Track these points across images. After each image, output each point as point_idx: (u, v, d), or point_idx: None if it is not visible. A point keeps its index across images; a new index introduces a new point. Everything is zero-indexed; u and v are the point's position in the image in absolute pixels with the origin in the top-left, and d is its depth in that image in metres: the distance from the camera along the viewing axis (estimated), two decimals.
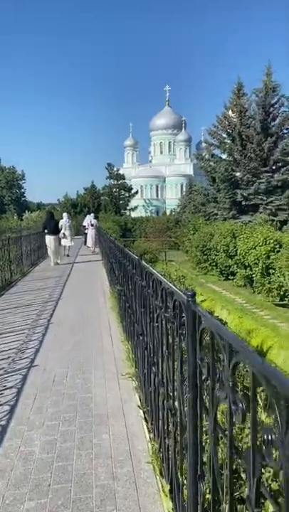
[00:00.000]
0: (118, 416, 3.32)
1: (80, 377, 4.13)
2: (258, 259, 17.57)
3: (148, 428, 3.08)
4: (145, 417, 3.25)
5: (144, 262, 3.43)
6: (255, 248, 17.93)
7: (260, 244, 17.70)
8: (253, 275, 18.69)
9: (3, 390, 3.82)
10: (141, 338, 3.54)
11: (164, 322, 2.44)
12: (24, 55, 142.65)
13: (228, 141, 35.70)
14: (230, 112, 36.00)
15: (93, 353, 4.88)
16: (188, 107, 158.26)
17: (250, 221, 31.87)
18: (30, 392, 3.82)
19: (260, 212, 33.30)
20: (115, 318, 6.49)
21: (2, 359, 4.72)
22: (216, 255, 22.88)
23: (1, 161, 68.23)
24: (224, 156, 36.66)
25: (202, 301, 13.87)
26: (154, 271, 2.89)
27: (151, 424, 2.98)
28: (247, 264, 19.15)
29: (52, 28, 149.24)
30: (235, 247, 20.23)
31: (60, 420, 3.27)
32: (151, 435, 2.93)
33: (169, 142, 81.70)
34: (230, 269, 21.44)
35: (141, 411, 3.36)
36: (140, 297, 3.56)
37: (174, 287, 2.10)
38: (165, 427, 2.45)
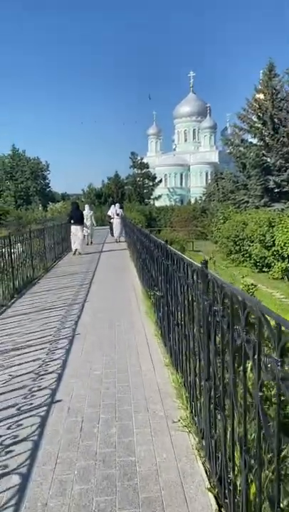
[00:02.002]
0: (177, 502, 2.23)
1: (116, 425, 3.05)
2: None
3: None
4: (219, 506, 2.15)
5: (213, 272, 2.30)
6: None
7: None
8: None
9: (12, 446, 2.79)
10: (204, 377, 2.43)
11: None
12: (47, 43, 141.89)
13: (259, 125, 33.77)
14: (260, 95, 34.01)
15: (131, 383, 3.79)
16: (212, 93, 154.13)
17: (283, 209, 30.10)
18: (50, 450, 2.77)
19: None
20: (153, 329, 5.38)
21: (16, 389, 3.71)
22: (249, 246, 21.46)
23: (25, 152, 68.02)
24: (254, 141, 34.77)
25: None
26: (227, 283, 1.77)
27: None
28: (286, 255, 17.72)
29: (76, 16, 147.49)
30: (272, 237, 18.77)
31: (92, 510, 2.20)
32: None
33: (194, 130, 79.73)
34: (266, 261, 20.01)
35: (211, 495, 2.25)
36: (204, 319, 2.44)
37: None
38: None
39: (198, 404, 2.81)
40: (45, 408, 3.36)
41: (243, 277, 6.74)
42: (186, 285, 3.11)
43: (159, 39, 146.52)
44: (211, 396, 2.38)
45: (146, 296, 6.92)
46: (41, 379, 3.94)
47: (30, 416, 3.22)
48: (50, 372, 4.10)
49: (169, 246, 4.08)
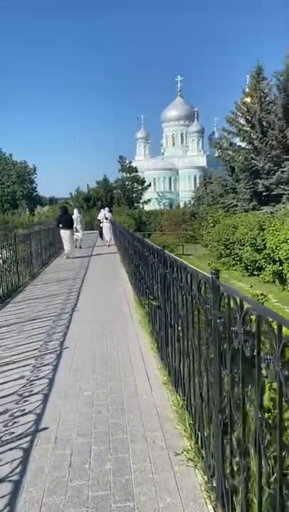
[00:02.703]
0: None
1: (110, 459, 2.65)
2: None
3: None
4: None
5: (225, 284, 1.93)
6: (287, 241, 16.27)
7: None
8: (284, 271, 17.08)
9: None
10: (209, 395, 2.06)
11: None
12: (33, 47, 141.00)
13: (248, 129, 33.74)
14: (249, 99, 34.02)
15: (126, 405, 3.39)
16: (200, 97, 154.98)
17: (272, 212, 30.01)
18: (33, 494, 2.35)
19: (283, 203, 31.37)
20: (147, 340, 4.99)
21: None
22: (240, 249, 21.23)
23: (12, 156, 67.16)
24: (243, 145, 34.73)
25: None
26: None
27: None
28: (277, 258, 17.50)
29: (60, 18, 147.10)
30: (263, 240, 18.55)
31: None
32: None
33: (182, 134, 79.96)
34: (257, 264, 19.79)
35: None
36: (215, 340, 2.07)
37: None
38: None
39: (205, 434, 2.43)
40: (28, 438, 2.94)
41: (252, 286, 6.38)
42: (189, 296, 2.73)
43: (147, 42, 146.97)
44: (224, 431, 2.01)
45: (140, 304, 6.54)
46: (25, 401, 3.52)
47: (11, 449, 2.80)
48: (36, 393, 3.68)
49: (167, 252, 3.71)
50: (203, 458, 2.46)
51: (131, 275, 8.52)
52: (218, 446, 2.08)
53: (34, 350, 4.87)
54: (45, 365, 4.36)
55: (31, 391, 3.72)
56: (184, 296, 2.92)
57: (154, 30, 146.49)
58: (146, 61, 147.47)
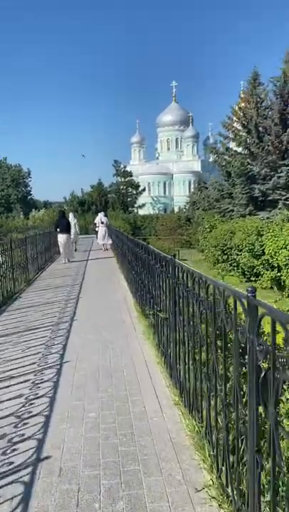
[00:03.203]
0: None
1: (123, 497, 2.36)
2: None
3: None
4: None
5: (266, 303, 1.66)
6: (286, 247, 16.10)
7: None
8: (283, 277, 16.92)
9: None
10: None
11: None
12: (28, 52, 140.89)
13: (244, 134, 33.72)
14: (245, 104, 34.04)
15: (135, 429, 3.10)
16: (195, 102, 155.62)
17: (268, 217, 29.93)
18: None
19: (279, 208, 31.33)
20: (153, 354, 4.71)
21: None
22: (237, 255, 21.05)
23: (6, 160, 66.72)
24: (239, 150, 34.70)
25: None
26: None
27: None
28: (276, 264, 17.33)
29: (56, 24, 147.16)
30: (261, 246, 18.38)
31: None
32: None
33: (176, 138, 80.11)
34: (255, 270, 19.61)
35: None
36: (252, 373, 1.80)
37: None
38: None
39: (230, 468, 2.16)
40: (29, 469, 2.64)
41: (277, 301, 6.13)
42: (209, 312, 2.46)
43: (142, 47, 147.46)
44: (260, 473, 1.74)
45: (142, 313, 6.27)
46: (24, 424, 3.22)
47: (9, 483, 2.50)
48: (36, 415, 3.38)
49: (178, 261, 3.44)
50: (228, 497, 2.18)
51: (131, 282, 8.24)
52: (253, 491, 1.81)
53: (32, 364, 4.56)
54: (45, 382, 4.06)
55: (31, 412, 3.42)
56: (203, 313, 2.65)
57: (149, 35, 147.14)
58: (141, 66, 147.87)
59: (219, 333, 2.35)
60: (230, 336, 2.15)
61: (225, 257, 22.54)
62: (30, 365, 4.54)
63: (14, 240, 10.00)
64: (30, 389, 3.89)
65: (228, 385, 2.29)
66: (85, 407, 3.50)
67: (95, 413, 3.39)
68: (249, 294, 1.76)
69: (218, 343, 2.45)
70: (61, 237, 14.37)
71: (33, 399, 3.68)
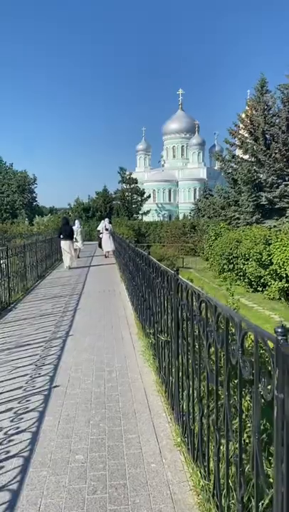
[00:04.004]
0: None
1: None
2: None
3: None
4: None
5: None
6: None
7: None
8: None
9: None
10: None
11: None
12: (35, 58, 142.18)
13: (251, 141, 33.29)
14: (252, 111, 33.66)
15: (128, 479, 2.59)
16: (201, 110, 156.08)
17: (275, 226, 29.40)
18: None
19: (287, 217, 30.77)
20: (152, 380, 4.21)
21: None
22: (244, 264, 20.49)
23: (13, 166, 66.75)
24: (246, 157, 34.25)
25: None
26: None
27: None
28: (284, 275, 16.76)
29: (63, 29, 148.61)
30: (269, 255, 17.83)
31: None
32: None
33: (182, 146, 79.95)
34: (262, 280, 19.03)
35: None
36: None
37: None
38: None
39: None
40: None
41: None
42: (222, 348, 1.97)
43: (149, 56, 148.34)
44: None
45: (142, 329, 5.77)
46: (3, 465, 2.73)
47: None
48: (13, 456, 2.88)
49: (182, 278, 2.95)
50: None
51: (131, 294, 7.75)
52: None
53: (18, 388, 4.08)
54: (30, 411, 3.57)
55: (8, 452, 2.93)
56: (212, 345, 2.16)
57: (156, 43, 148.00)
58: (148, 74, 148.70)
59: (234, 373, 1.86)
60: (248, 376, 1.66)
61: (231, 266, 22.00)
62: (15, 389, 4.05)
63: (11, 248, 9.56)
64: (11, 420, 3.40)
65: (243, 436, 1.80)
66: (71, 447, 3.00)
67: (82, 455, 2.89)
68: (280, 337, 1.27)
69: (232, 383, 1.97)
70: (64, 244, 14.45)
71: (13, 434, 3.19)
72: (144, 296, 5.46)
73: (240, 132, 34.00)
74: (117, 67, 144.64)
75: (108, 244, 18.37)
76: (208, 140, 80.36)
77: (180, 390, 3.14)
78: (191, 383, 2.73)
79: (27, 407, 3.65)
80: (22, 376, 4.39)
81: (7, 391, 4.02)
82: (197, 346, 2.54)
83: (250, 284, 20.41)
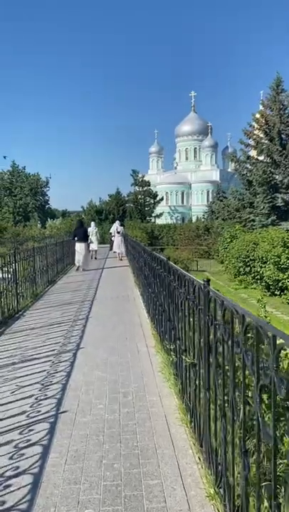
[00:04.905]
0: None
1: None
2: None
3: None
4: None
5: None
6: None
7: None
8: None
9: None
10: None
11: None
12: (45, 61, 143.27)
13: (266, 141, 32.55)
14: (265, 111, 32.93)
15: None
16: (213, 112, 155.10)
17: None
18: None
19: None
20: (174, 404, 3.65)
21: None
22: (261, 267, 19.80)
23: (25, 169, 66.96)
24: (261, 158, 33.51)
25: None
26: None
27: None
28: None
29: (74, 29, 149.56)
30: (288, 258, 17.13)
31: None
32: None
33: (195, 148, 79.41)
34: (280, 284, 18.31)
35: None
36: None
37: None
38: None
39: None
40: None
41: None
42: (283, 388, 1.42)
43: (161, 57, 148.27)
44: None
45: (160, 341, 5.23)
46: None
47: None
48: (8, 509, 2.36)
49: (214, 290, 2.40)
50: None
51: (147, 301, 7.21)
52: None
53: (21, 413, 3.57)
54: (32, 445, 3.05)
55: (3, 503, 2.41)
56: (263, 386, 1.61)
57: (167, 45, 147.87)
58: (161, 76, 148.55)
59: None
60: None
61: (247, 269, 21.31)
62: (18, 415, 3.55)
63: (19, 252, 9.11)
64: (10, 458, 2.89)
65: None
66: (80, 497, 2.46)
67: (93, 509, 2.35)
68: None
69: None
70: (79, 246, 14.59)
71: (12, 476, 2.67)
72: (163, 306, 4.92)
73: (254, 133, 33.29)
74: (130, 68, 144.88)
75: (120, 246, 18.46)
76: (220, 142, 79.68)
77: (210, 424, 2.59)
78: (228, 426, 2.17)
79: (29, 440, 3.13)
80: (26, 398, 3.89)
81: (9, 417, 3.52)
82: (237, 383, 1.99)
83: (268, 287, 19.70)
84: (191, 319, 3.16)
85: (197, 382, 2.96)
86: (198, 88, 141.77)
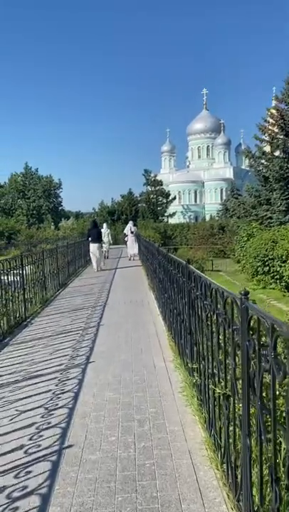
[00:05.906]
0: None
1: None
2: None
3: None
4: None
5: None
6: None
7: None
8: None
9: None
10: None
11: None
12: (57, 63, 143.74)
13: (282, 136, 31.54)
14: (279, 105, 31.93)
15: None
16: (226, 109, 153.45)
17: None
18: None
19: None
20: (200, 438, 3.06)
21: None
22: (280, 266, 19.01)
23: (38, 171, 67.03)
24: (276, 153, 32.50)
25: None
26: None
27: None
28: None
29: (84, 30, 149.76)
30: None
31: None
32: None
33: (207, 146, 78.44)
34: None
35: None
36: None
37: None
38: None
39: None
40: None
41: None
42: None
43: (172, 56, 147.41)
44: None
45: (179, 354, 4.64)
46: None
47: None
48: None
49: (251, 305, 1.81)
50: None
51: (163, 307, 6.62)
52: None
53: (19, 449, 3.02)
54: (28, 495, 2.49)
55: None
56: None
57: (179, 44, 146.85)
58: (172, 74, 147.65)
59: None
60: None
61: (266, 268, 20.49)
62: (15, 450, 3.00)
63: (26, 256, 8.61)
64: (3, 505, 2.34)
65: None
66: None
67: None
68: None
69: None
70: (93, 247, 14.65)
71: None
72: (182, 315, 4.32)
73: (270, 127, 32.31)
74: (141, 68, 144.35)
75: (133, 247, 18.32)
76: (233, 139, 78.47)
77: (251, 477, 1.99)
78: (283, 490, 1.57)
79: (25, 487, 2.57)
80: (26, 427, 3.34)
81: (4, 453, 2.97)
82: None
83: (288, 287, 18.91)
84: (221, 337, 2.57)
85: (231, 417, 2.36)
86: (210, 86, 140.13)
